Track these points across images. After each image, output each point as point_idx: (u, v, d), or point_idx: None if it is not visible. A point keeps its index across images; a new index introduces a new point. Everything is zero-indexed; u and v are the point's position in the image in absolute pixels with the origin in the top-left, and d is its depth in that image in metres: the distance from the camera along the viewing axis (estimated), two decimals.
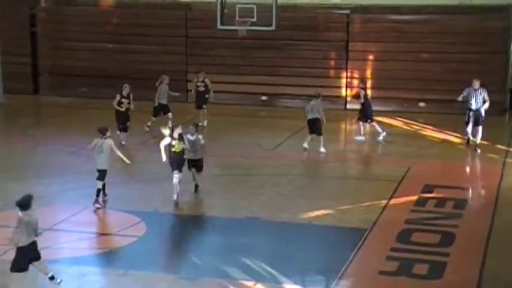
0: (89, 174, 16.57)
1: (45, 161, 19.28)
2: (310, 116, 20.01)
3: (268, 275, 12.46)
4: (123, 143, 19.72)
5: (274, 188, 17.18)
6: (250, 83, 27.06)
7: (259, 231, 14.84)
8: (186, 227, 15.30)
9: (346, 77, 26.69)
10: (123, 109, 20.16)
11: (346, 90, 26.69)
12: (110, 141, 15.59)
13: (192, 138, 16.14)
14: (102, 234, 14.47)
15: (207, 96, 23.21)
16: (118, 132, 19.91)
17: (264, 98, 27.10)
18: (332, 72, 27.01)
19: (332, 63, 27.04)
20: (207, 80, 23.17)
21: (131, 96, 20.25)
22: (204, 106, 23.22)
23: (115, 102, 20.16)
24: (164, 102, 22.05)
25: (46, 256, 12.88)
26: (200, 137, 16.35)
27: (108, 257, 13.29)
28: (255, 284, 12.11)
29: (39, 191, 16.36)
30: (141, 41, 27.69)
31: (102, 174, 15.56)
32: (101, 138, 15.53)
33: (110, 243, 13.99)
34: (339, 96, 26.67)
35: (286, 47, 26.65)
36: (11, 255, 11.70)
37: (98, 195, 15.56)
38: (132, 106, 20.24)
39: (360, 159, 20.68)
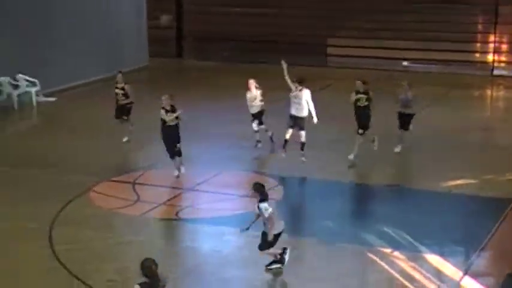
0: (230, 136, 16.85)
1: (188, 123, 19.72)
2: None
3: (406, 243, 12.25)
4: (177, 173, 15.45)
5: (414, 156, 16.81)
6: (391, 48, 26.50)
7: (398, 199, 14.60)
8: (323, 192, 15.27)
9: (494, 42, 25.58)
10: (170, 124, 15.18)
11: (494, 56, 25.60)
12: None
13: (293, 93, 15.92)
14: (241, 196, 14.71)
15: None
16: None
17: (405, 63, 26.46)
18: (479, 37, 25.97)
19: (479, 27, 25.99)
20: None
21: (176, 109, 15.25)
22: None
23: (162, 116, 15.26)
24: None
25: (187, 215, 13.32)
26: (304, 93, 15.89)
27: (246, 218, 13.49)
28: (392, 252, 11.94)
29: (184, 151, 16.91)
30: (284, 4, 27.64)
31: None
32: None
33: (247, 205, 14.19)
34: (485, 62, 25.64)
35: (430, 10, 25.83)
36: (155, 212, 12.05)
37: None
38: (178, 120, 15.29)
39: (507, 129, 19.78)
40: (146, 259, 8.22)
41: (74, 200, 14.06)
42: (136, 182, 15.11)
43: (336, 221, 13.40)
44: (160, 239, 13.09)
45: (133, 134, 17.77)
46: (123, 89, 17.64)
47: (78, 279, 10.83)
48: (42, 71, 22.02)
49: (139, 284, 8.09)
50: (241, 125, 17.19)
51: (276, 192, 14.62)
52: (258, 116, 17.07)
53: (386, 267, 11.44)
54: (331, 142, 17.40)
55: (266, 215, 10.88)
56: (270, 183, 15.06)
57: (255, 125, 17.08)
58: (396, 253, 11.89)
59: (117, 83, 17.82)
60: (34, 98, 21.93)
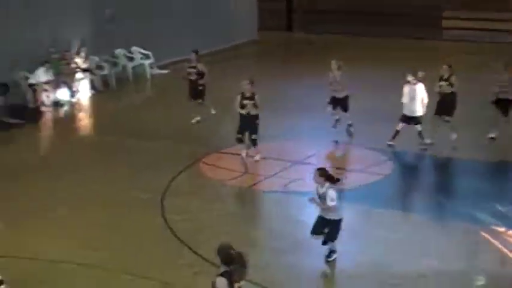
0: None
1: (296, 96, 19.69)
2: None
3: None
4: (257, 157, 14.89)
5: None
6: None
7: None
8: (434, 168, 14.94)
9: None
10: (244, 112, 14.57)
11: None
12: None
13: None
14: (349, 170, 14.58)
15: None
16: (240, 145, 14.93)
17: None
18: None
19: None
20: None
21: (256, 96, 14.51)
22: None
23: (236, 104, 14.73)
24: None
25: (296, 188, 13.33)
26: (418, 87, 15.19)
27: (354, 193, 13.38)
28: (507, 231, 11.56)
29: (293, 124, 16.92)
30: None
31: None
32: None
33: (356, 180, 14.06)
34: None
35: None
36: (263, 184, 12.09)
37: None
38: (254, 110, 14.46)
39: None
40: (222, 245, 7.43)
41: (185, 170, 14.33)
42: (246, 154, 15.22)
43: (448, 198, 13.09)
44: (267, 211, 13.18)
45: (209, 114, 17.44)
46: (195, 67, 17.17)
47: (190, 248, 11.05)
48: (156, 44, 22.47)
49: (221, 275, 7.29)
50: (356, 100, 16.77)
51: (385, 166, 14.44)
52: (340, 102, 15.99)
53: (499, 246, 11.09)
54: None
55: (330, 204, 10.24)
56: (379, 158, 14.89)
57: (329, 109, 16.09)
58: (510, 232, 11.50)
59: (190, 62, 17.43)
60: (148, 70, 22.46)
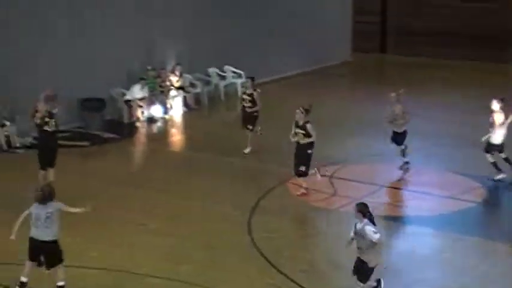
0: (430, 135, 16.36)
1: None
2: None
3: None
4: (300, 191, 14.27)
5: None
6: None
7: None
8: None
9: None
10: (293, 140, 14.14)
11: None
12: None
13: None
14: (440, 196, 14.30)
15: None
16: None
17: None
18: None
19: None
20: None
21: (307, 125, 13.86)
22: None
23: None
24: None
25: (382, 212, 13.17)
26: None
27: (445, 219, 13.11)
28: None
29: (377, 148, 16.76)
30: None
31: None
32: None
33: (447, 206, 13.78)
34: None
35: None
36: (351, 207, 12.02)
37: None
38: (304, 139, 13.90)
39: None
40: None
41: (273, 189, 14.39)
42: (333, 175, 15.18)
43: None
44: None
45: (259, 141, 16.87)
46: (251, 95, 16.71)
47: (274, 267, 11.08)
48: (247, 64, 22.72)
49: None
50: (447, 124, 16.48)
51: (477, 193, 14.11)
52: (399, 138, 15.17)
53: None
54: None
55: (374, 239, 9.37)
56: (470, 184, 14.56)
57: (393, 147, 15.29)
58: None
59: (245, 88, 17.20)
60: (239, 89, 22.72)
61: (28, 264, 10.06)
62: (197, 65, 21.97)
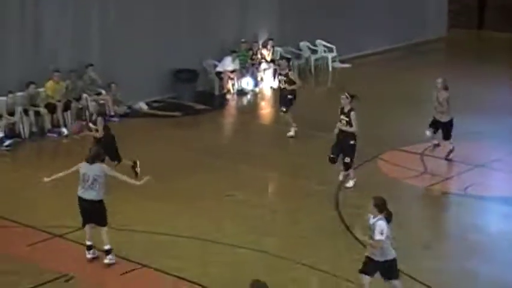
0: None
1: (480, 97, 18.95)
2: None
3: None
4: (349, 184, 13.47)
5: None
6: None
7: None
8: None
9: None
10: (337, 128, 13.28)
11: None
12: None
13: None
14: None
15: None
16: None
17: None
18: None
19: None
20: None
21: (351, 113, 13.01)
22: None
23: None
24: None
25: (476, 192, 12.86)
26: None
27: None
28: None
29: (477, 126, 16.31)
30: None
31: None
32: None
33: None
34: None
35: None
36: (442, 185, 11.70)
37: None
38: (348, 127, 13.04)
39: None
40: (255, 283, 6.95)
41: (362, 165, 14.23)
42: (425, 153, 14.88)
43: None
44: (443, 212, 12.82)
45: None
46: (286, 75, 16.19)
47: (361, 243, 10.97)
48: (339, 38, 22.47)
49: None
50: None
51: None
52: (442, 127, 14.32)
53: None
54: None
55: (376, 237, 8.84)
56: None
57: (428, 133, 14.39)
58: None
59: (281, 69, 16.75)
60: (330, 64, 22.53)
61: (86, 228, 10.33)
62: (289, 39, 21.88)
